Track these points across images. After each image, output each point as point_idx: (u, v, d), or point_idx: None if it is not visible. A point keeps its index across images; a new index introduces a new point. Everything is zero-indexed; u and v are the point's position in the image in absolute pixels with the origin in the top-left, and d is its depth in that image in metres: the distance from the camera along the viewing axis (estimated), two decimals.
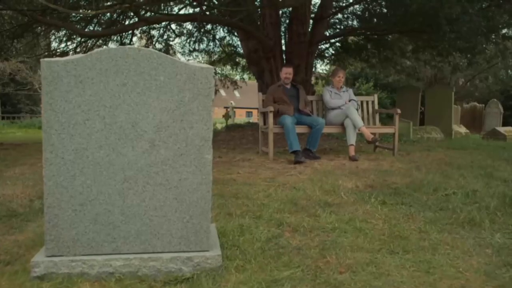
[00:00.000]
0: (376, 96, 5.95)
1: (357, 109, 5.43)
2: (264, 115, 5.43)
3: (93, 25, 9.10)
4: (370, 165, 4.55)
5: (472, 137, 10.72)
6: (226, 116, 10.77)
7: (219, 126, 16.27)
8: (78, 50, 11.00)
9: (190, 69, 1.47)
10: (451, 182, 3.64)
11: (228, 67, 14.43)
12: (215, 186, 3.32)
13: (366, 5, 8.40)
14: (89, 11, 6.02)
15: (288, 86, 5.37)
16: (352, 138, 5.01)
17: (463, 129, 10.61)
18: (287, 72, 5.34)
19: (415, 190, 3.32)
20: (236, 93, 15.40)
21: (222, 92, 21.62)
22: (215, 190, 3.13)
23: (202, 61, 14.72)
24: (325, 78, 13.68)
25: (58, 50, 11.17)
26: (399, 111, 5.39)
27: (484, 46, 8.37)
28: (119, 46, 1.36)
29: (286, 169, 4.26)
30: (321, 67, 15.36)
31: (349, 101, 5.47)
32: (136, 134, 1.46)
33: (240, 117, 30.90)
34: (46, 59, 1.40)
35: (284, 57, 8.98)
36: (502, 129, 9.54)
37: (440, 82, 15.53)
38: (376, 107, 5.86)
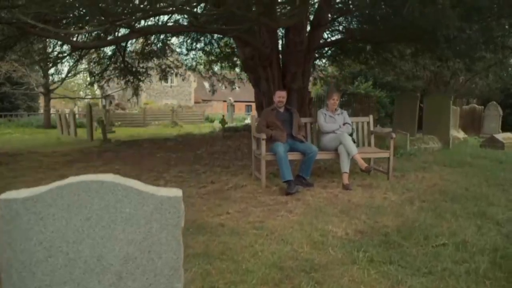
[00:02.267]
0: (371, 116, 5.87)
1: (351, 134, 5.36)
2: (258, 140, 5.37)
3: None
4: (363, 197, 4.50)
5: (470, 142, 10.64)
6: (223, 122, 10.74)
7: (217, 124, 16.21)
8: (73, 54, 10.90)
9: (157, 199, 1.41)
10: (443, 224, 3.60)
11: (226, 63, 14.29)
12: (202, 237, 3.28)
13: (362, 18, 8.22)
14: (73, 29, 5.88)
15: (282, 110, 5.30)
16: (345, 166, 4.95)
17: (461, 134, 10.53)
18: (280, 96, 5.26)
19: (405, 238, 3.27)
20: (236, 84, 15.36)
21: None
22: (202, 244, 3.09)
23: (200, 60, 14.58)
24: (323, 79, 13.55)
25: (53, 54, 11.08)
26: (394, 135, 5.32)
27: (483, 53, 8.25)
28: (81, 180, 1.30)
29: (277, 204, 4.20)
30: (319, 68, 15.25)
31: (344, 124, 5.40)
32: (102, 268, 1.41)
33: (240, 112, 30.72)
34: (3, 196, 1.34)
35: (281, 65, 8.86)
36: (500, 136, 9.46)
37: (440, 81, 15.34)
38: (372, 128, 5.79)
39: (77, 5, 4.95)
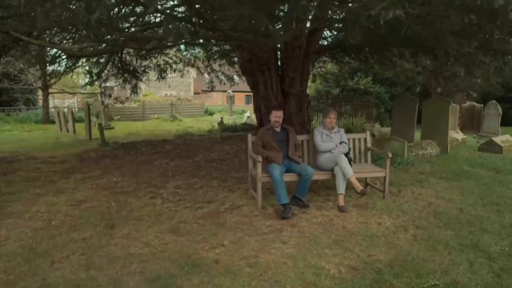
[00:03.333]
0: (368, 133, 5.86)
1: (348, 153, 5.35)
2: (254, 159, 5.38)
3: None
4: (358, 222, 4.52)
5: (469, 143, 10.65)
6: (222, 124, 10.74)
7: (216, 120, 16.18)
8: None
9: None
10: (435, 259, 3.63)
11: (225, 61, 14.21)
12: (196, 278, 3.31)
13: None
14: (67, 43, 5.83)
15: (278, 129, 5.29)
16: (341, 187, 4.97)
17: (460, 135, 10.52)
18: (277, 116, 5.24)
19: (397, 276, 3.31)
20: (235, 77, 15.34)
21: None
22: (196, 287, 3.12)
23: (199, 55, 14.47)
24: (323, 75, 13.47)
25: (49, 54, 10.99)
26: (390, 155, 5.31)
27: (482, 59, 8.18)
28: None
29: (272, 232, 4.23)
30: (318, 65, 15.20)
31: (340, 143, 5.39)
32: None
33: (239, 102, 30.57)
34: None
35: (280, 69, 8.80)
36: (499, 140, 9.46)
37: (440, 75, 15.26)
38: (369, 144, 5.78)
39: (70, 25, 4.87)
